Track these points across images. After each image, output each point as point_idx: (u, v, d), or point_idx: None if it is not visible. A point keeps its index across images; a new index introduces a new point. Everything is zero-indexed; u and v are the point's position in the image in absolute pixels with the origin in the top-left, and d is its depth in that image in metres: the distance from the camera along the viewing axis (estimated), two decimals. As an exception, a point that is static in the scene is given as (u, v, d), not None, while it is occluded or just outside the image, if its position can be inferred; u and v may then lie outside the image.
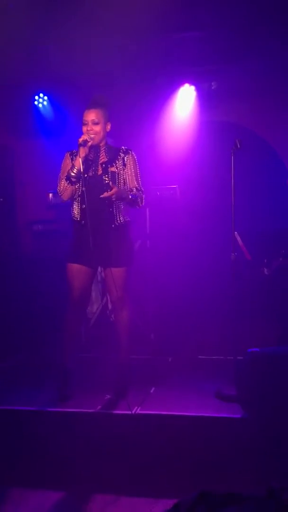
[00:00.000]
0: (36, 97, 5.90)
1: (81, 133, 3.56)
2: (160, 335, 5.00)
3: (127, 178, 3.65)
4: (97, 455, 3.17)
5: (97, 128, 3.57)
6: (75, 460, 3.17)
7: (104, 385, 3.82)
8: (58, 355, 3.77)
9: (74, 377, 3.77)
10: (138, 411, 3.41)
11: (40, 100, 5.92)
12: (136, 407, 3.45)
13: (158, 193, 5.12)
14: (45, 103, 5.94)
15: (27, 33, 4.44)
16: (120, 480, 3.05)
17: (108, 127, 3.64)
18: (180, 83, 5.62)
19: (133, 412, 3.38)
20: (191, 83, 5.61)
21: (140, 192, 3.67)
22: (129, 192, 3.60)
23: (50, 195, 5.12)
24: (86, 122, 3.58)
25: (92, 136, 3.54)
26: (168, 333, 4.97)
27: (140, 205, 3.68)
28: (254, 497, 1.46)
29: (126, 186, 3.65)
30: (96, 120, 3.57)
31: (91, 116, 3.57)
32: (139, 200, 3.65)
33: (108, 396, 3.62)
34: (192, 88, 5.63)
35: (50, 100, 5.93)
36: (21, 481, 3.11)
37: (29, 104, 5.92)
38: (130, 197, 3.58)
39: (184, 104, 5.72)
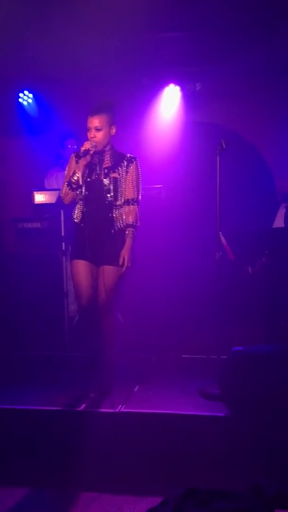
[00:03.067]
0: (21, 95, 5.87)
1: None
2: (144, 333, 5.00)
3: (126, 186, 3.67)
4: (81, 453, 3.17)
5: (100, 134, 3.58)
6: (59, 458, 3.17)
7: (88, 383, 3.81)
8: (45, 352, 3.74)
9: (61, 376, 3.76)
10: (122, 410, 3.41)
11: (25, 97, 5.90)
12: (120, 406, 3.46)
13: (142, 193, 5.12)
14: (29, 100, 5.92)
15: (11, 30, 4.42)
16: (104, 477, 3.06)
17: (113, 130, 3.64)
18: (165, 83, 5.65)
19: (117, 410, 3.39)
20: (176, 83, 5.64)
21: (135, 205, 3.68)
22: (129, 240, 3.65)
23: (35, 193, 5.07)
24: (89, 129, 3.60)
25: (95, 144, 3.56)
26: (151, 331, 4.98)
27: (138, 224, 3.71)
28: (241, 493, 1.49)
29: (122, 196, 3.66)
30: (99, 127, 3.58)
31: (94, 122, 3.58)
32: (136, 226, 3.68)
33: (92, 395, 3.61)
34: (177, 88, 5.66)
35: (35, 97, 5.91)
36: (4, 479, 3.10)
37: (14, 102, 5.89)
38: (131, 242, 3.65)
39: (169, 104, 5.75)
